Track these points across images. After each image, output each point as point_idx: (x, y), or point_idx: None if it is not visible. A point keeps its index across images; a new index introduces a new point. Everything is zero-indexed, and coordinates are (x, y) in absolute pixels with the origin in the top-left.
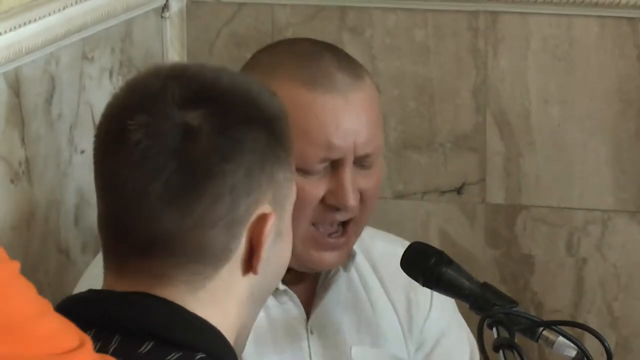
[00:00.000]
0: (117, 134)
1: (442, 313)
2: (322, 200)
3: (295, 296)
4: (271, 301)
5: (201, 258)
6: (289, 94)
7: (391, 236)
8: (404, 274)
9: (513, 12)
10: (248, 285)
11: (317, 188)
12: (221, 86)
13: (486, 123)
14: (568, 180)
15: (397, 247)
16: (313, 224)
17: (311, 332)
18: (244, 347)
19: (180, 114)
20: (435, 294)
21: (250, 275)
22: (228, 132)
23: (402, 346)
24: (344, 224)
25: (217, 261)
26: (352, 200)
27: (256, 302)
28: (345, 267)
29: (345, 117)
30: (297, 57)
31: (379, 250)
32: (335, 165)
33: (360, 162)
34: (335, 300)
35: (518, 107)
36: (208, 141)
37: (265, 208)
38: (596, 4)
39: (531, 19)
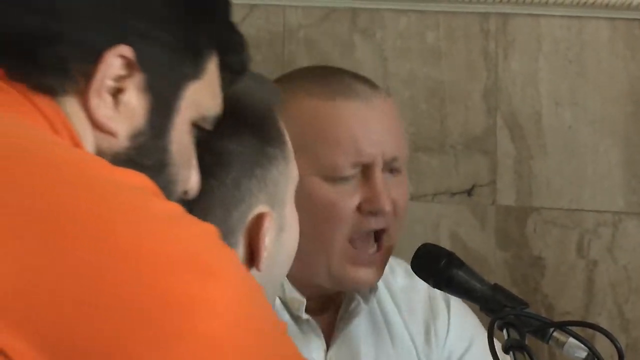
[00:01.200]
0: None
1: (462, 332)
2: (357, 209)
3: (317, 327)
4: (292, 328)
5: None
6: (309, 108)
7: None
8: (424, 305)
9: (524, 14)
10: None
11: (351, 197)
12: None
13: (497, 125)
14: (579, 182)
15: (416, 281)
16: (350, 242)
17: None
18: None
19: None
20: (453, 317)
21: (254, 271)
22: (213, 148)
23: None
24: (378, 240)
25: None
26: (387, 204)
27: (272, 293)
28: (366, 300)
29: (369, 120)
30: (313, 76)
31: (399, 285)
32: (366, 172)
33: (389, 167)
34: (356, 331)
35: (529, 110)
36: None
37: (260, 209)
38: (607, 6)
39: (542, 21)
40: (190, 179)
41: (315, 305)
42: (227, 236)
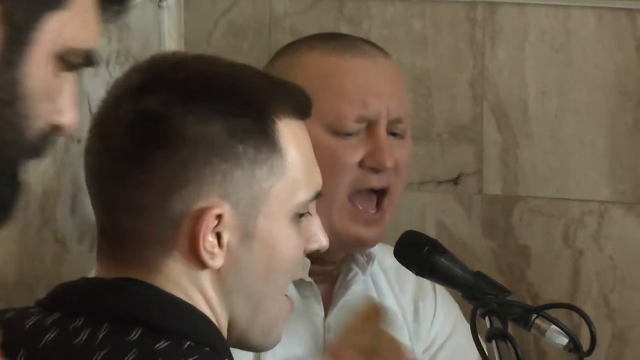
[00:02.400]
0: (92, 121)
1: (447, 315)
2: (360, 165)
3: (318, 291)
4: (293, 293)
5: (141, 244)
6: (317, 61)
7: None
8: (413, 285)
9: (511, 3)
10: (213, 280)
11: (355, 151)
12: (187, 75)
13: (483, 114)
14: (565, 171)
15: None
16: (350, 200)
17: (328, 330)
18: (274, 338)
19: (129, 101)
20: (439, 298)
21: (214, 271)
22: (170, 121)
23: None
24: (379, 200)
25: (159, 248)
26: (389, 160)
27: (239, 301)
28: (364, 270)
29: (376, 77)
30: (321, 37)
31: (389, 265)
32: (370, 128)
33: (393, 128)
34: (352, 301)
35: (515, 99)
36: (145, 127)
37: (211, 202)
38: None
39: (529, 11)
40: (58, 115)
41: (315, 275)
42: (166, 215)
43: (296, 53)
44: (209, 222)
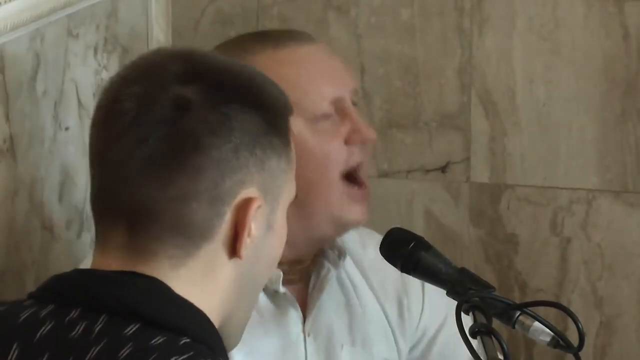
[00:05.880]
0: (111, 103)
1: (437, 307)
2: (345, 144)
3: (294, 299)
4: (267, 304)
5: (182, 232)
6: (268, 61)
7: None
8: (395, 280)
9: None
10: (233, 270)
11: (338, 132)
12: (224, 67)
13: (471, 102)
14: (553, 159)
15: None
16: (341, 179)
17: (308, 335)
18: (236, 339)
19: (175, 87)
20: (427, 293)
21: (236, 260)
22: (220, 108)
23: (392, 349)
24: (357, 176)
25: (199, 237)
26: (372, 132)
27: (243, 292)
28: (336, 266)
29: (325, 58)
30: (257, 38)
31: (371, 258)
32: (340, 109)
33: (353, 98)
34: (329, 302)
35: (503, 87)
36: (197, 114)
37: (251, 192)
38: None
39: None
40: None
41: (288, 277)
42: (216, 202)
43: (250, 52)
44: (251, 212)
